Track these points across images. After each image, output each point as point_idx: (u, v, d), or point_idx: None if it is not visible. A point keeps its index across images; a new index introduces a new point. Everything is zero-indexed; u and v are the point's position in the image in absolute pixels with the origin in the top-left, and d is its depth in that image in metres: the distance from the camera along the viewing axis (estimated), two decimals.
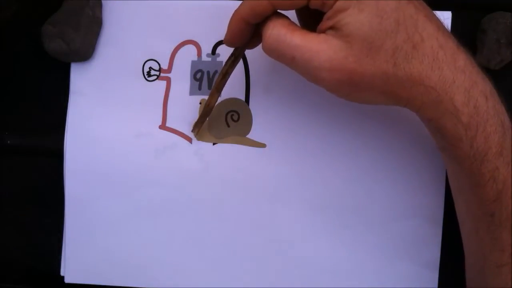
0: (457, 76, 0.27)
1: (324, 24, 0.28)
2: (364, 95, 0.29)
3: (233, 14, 0.30)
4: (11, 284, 0.39)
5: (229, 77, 0.34)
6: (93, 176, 0.38)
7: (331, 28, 0.27)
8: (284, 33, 0.28)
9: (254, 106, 0.37)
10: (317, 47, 0.27)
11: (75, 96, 0.38)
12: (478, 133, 0.27)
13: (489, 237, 0.29)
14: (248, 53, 0.36)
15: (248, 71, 0.37)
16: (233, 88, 0.37)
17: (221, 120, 0.37)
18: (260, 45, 0.30)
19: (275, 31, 0.28)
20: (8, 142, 0.39)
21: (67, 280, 0.38)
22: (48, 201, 0.39)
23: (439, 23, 0.28)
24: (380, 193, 0.36)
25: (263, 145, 0.37)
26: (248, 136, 0.37)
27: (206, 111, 0.36)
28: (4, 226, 0.39)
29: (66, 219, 0.38)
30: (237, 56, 0.33)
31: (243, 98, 0.37)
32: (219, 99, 0.37)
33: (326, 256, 0.37)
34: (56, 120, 0.38)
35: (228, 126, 0.37)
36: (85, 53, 0.37)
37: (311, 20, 0.30)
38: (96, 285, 0.38)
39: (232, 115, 0.37)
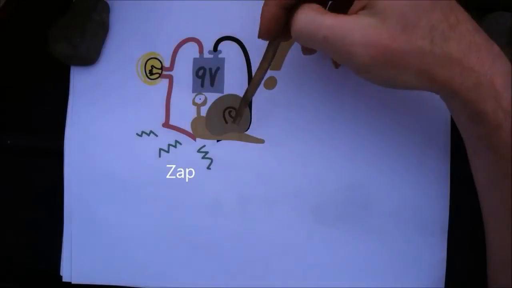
0: (495, 60, 0.27)
1: (356, 5, 0.27)
2: (396, 74, 0.27)
3: (265, 3, 0.29)
4: (11, 284, 0.39)
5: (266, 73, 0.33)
6: (93, 176, 0.38)
7: (364, 8, 0.27)
8: (314, 14, 0.28)
9: (253, 102, 0.37)
10: (351, 25, 0.27)
11: (75, 96, 0.38)
12: None
13: None
14: (250, 49, 0.37)
15: (251, 68, 0.37)
16: (234, 84, 0.37)
17: (219, 117, 0.37)
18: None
19: (304, 14, 0.28)
20: (8, 142, 0.39)
21: (65, 279, 0.38)
22: (48, 201, 0.39)
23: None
24: (379, 191, 0.36)
25: (261, 141, 0.37)
26: (247, 132, 0.37)
27: (244, 102, 0.35)
28: (4, 226, 0.39)
29: (65, 219, 0.38)
30: (275, 49, 0.32)
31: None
32: (216, 96, 0.37)
33: (324, 253, 0.36)
34: (56, 120, 0.38)
35: (226, 122, 0.37)
36: (91, 57, 0.37)
37: (341, 8, 0.30)
38: (95, 285, 0.38)
39: (230, 112, 0.37)
